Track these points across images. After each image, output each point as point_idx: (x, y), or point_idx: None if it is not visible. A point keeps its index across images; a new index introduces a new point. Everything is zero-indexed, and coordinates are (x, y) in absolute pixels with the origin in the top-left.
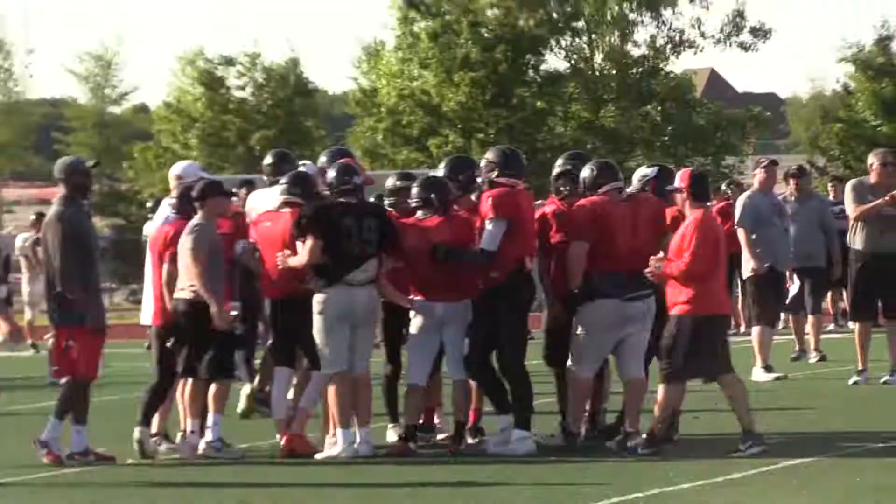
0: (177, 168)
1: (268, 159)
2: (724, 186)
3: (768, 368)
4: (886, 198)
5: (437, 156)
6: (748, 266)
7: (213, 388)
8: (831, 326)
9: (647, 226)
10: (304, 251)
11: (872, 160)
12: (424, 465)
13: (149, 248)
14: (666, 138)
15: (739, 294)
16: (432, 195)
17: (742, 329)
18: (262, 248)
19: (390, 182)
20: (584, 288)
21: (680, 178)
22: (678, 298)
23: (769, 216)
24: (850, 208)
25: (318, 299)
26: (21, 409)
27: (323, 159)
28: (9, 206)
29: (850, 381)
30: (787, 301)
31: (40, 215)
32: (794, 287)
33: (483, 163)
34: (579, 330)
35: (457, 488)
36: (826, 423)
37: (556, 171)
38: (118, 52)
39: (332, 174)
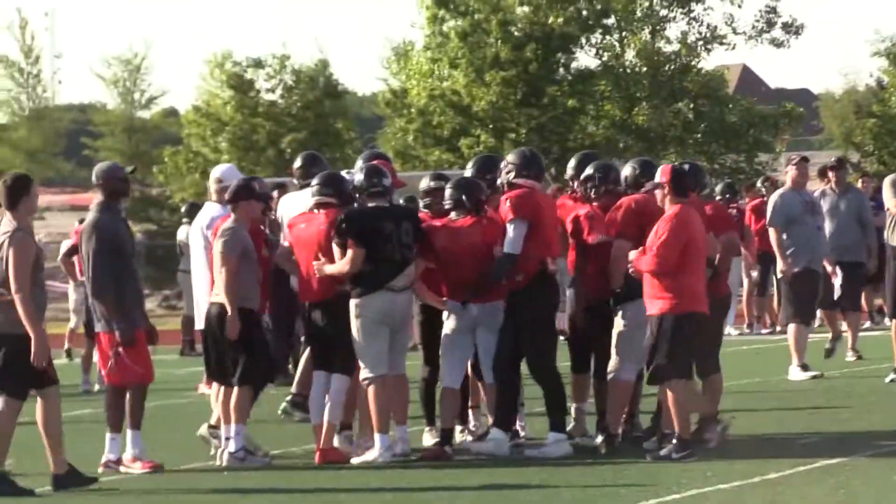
0: (217, 171)
1: (298, 162)
2: (758, 184)
3: (804, 367)
4: None
5: (468, 156)
6: (780, 266)
7: (235, 396)
8: (867, 324)
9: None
10: (345, 260)
11: None
12: (460, 469)
13: (201, 250)
14: (698, 135)
15: (774, 293)
16: (463, 196)
17: (778, 328)
18: (297, 250)
19: (424, 183)
20: (625, 288)
21: (661, 174)
22: (656, 297)
23: (802, 214)
24: (891, 203)
25: (357, 303)
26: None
27: (359, 163)
28: (39, 213)
29: (887, 380)
30: (836, 296)
31: (81, 222)
32: (838, 280)
33: (502, 164)
34: (621, 329)
35: (493, 492)
36: (863, 421)
37: (581, 173)
38: (146, 56)
39: (359, 177)
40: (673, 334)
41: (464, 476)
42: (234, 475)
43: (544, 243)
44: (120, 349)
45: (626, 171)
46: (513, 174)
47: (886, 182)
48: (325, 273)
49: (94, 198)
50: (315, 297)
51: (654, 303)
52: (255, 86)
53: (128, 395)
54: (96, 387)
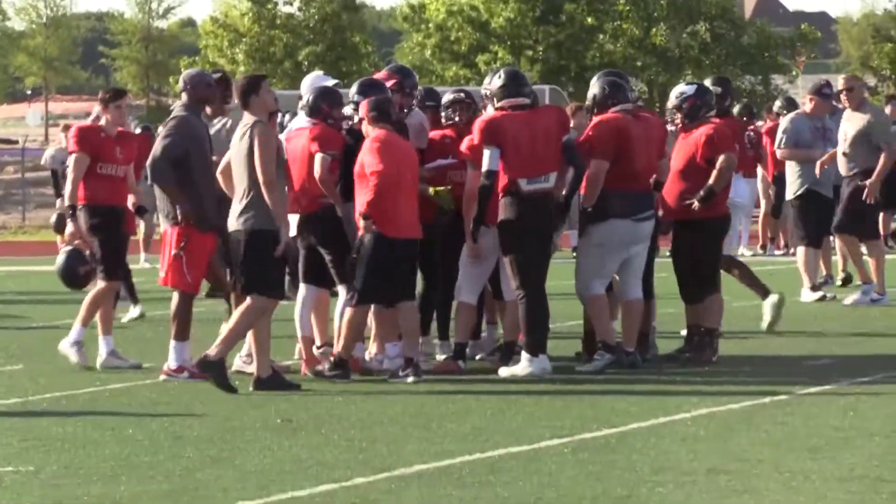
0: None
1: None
2: (776, 105)
3: (814, 288)
4: None
5: (484, 72)
6: (790, 189)
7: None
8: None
9: (655, 146)
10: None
11: None
12: (473, 384)
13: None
14: (714, 57)
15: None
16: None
17: (791, 250)
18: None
19: (447, 97)
20: (597, 207)
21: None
22: None
23: (811, 140)
24: None
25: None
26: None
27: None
28: (55, 120)
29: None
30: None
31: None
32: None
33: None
34: (590, 248)
35: (507, 398)
36: (874, 346)
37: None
38: None
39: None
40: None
41: (475, 388)
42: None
43: (515, 165)
44: (180, 251)
45: (594, 90)
46: (495, 100)
47: None
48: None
49: (178, 101)
50: (307, 209)
51: None
52: None
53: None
54: None
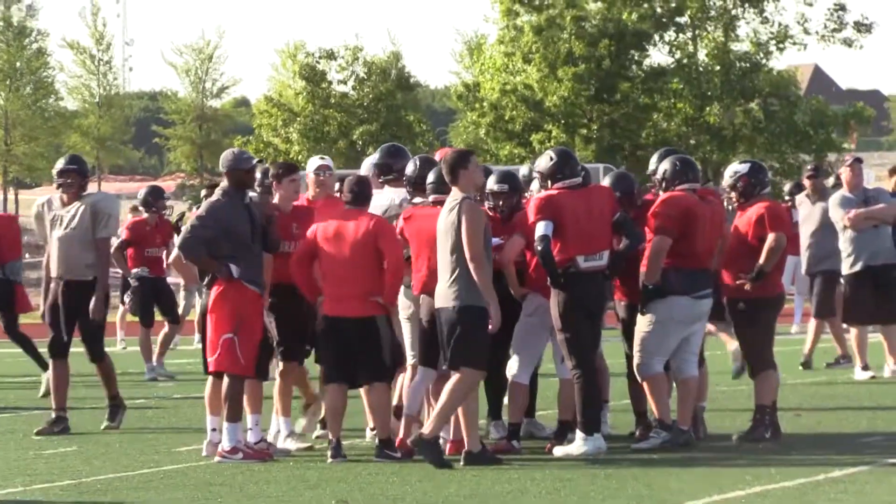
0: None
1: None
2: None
3: (866, 368)
4: None
5: (538, 151)
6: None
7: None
8: None
9: (717, 227)
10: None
11: None
12: (527, 463)
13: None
14: (768, 135)
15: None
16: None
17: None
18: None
19: (492, 183)
20: (657, 284)
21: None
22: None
23: None
24: None
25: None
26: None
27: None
28: None
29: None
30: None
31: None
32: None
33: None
34: (649, 325)
35: (562, 478)
36: None
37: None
38: (218, 44)
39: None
40: None
41: (529, 472)
42: (293, 464)
43: (572, 242)
44: (232, 335)
45: (666, 165)
46: (549, 182)
47: None
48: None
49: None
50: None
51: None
52: (327, 77)
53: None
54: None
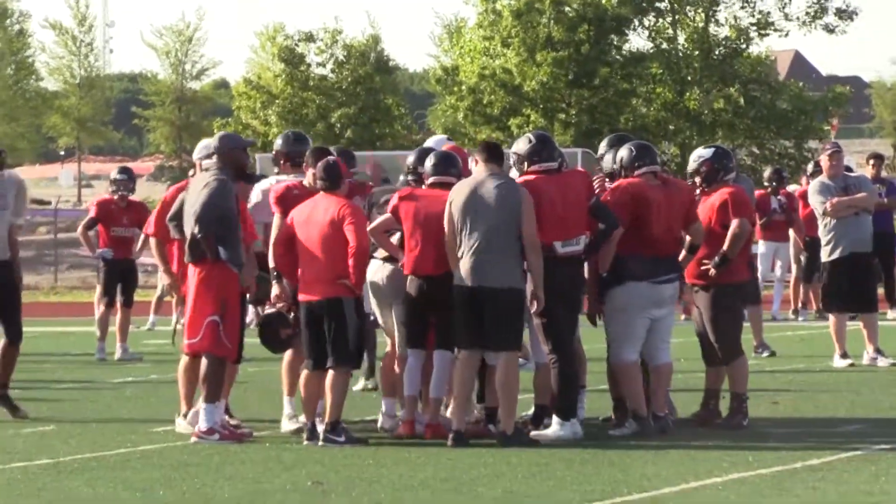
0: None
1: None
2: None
3: (844, 355)
4: None
5: (517, 135)
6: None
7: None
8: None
9: (679, 211)
10: None
11: None
12: (503, 448)
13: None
14: (749, 121)
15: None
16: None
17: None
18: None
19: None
20: (613, 271)
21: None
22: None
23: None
24: None
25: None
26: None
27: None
28: (88, 181)
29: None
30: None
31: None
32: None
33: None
34: (612, 312)
35: (538, 462)
36: None
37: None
38: (198, 27)
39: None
40: None
41: (507, 455)
42: (269, 446)
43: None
44: (216, 317)
45: (622, 152)
46: (525, 165)
47: None
48: None
49: (212, 164)
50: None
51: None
52: (306, 60)
53: (203, 365)
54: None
